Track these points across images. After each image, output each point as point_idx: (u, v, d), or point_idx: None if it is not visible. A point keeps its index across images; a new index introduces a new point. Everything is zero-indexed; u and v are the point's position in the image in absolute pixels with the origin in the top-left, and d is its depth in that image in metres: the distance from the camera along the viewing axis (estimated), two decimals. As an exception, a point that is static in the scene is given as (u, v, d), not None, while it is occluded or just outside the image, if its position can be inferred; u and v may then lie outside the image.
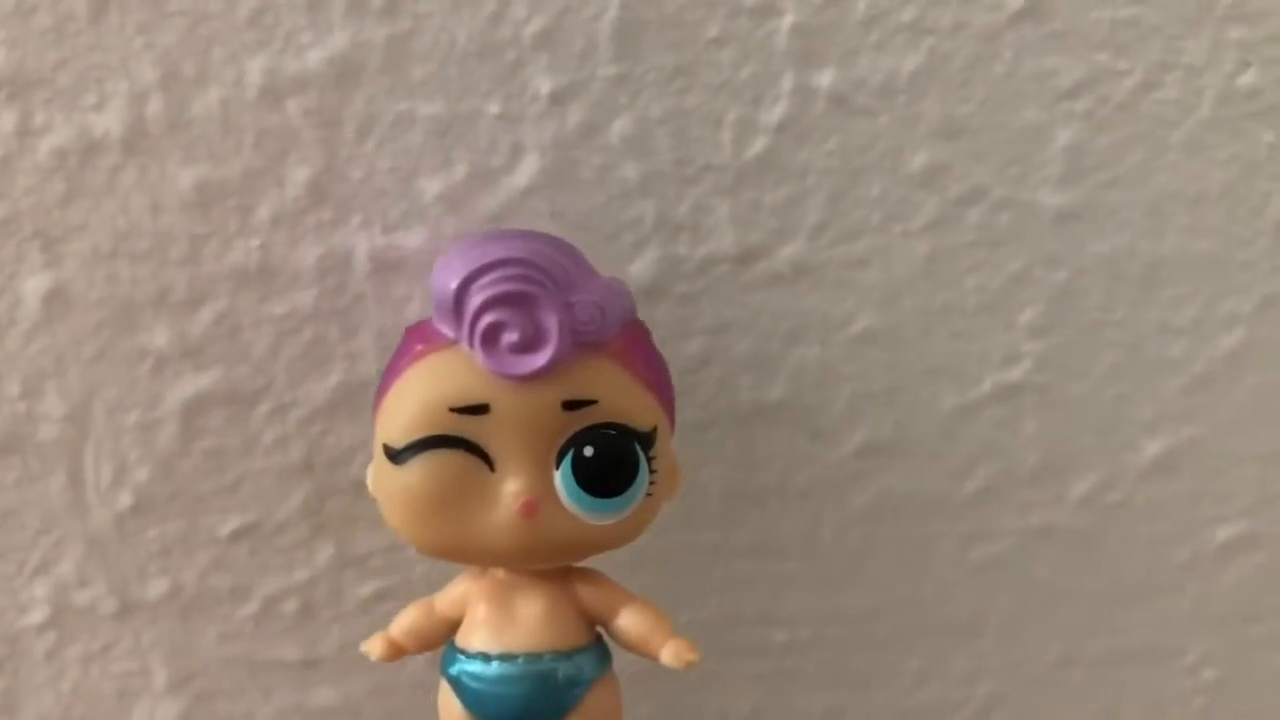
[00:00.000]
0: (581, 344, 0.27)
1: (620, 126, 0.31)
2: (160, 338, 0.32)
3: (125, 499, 0.33)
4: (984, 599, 0.37)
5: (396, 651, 0.30)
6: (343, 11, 0.30)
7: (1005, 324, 0.34)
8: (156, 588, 0.34)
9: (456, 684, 0.29)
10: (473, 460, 0.27)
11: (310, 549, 0.34)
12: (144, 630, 0.35)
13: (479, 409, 0.27)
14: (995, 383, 0.35)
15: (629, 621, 0.29)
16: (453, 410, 0.27)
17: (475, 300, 0.27)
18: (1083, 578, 0.37)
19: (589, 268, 0.28)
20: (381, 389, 0.28)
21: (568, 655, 0.29)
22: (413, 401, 0.27)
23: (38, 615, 0.34)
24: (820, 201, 0.33)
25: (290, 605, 0.35)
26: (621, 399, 0.28)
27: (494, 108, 0.31)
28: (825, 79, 0.32)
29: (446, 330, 0.27)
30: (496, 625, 0.29)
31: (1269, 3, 0.32)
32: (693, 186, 0.32)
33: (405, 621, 0.30)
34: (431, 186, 0.31)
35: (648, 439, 0.28)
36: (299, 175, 0.31)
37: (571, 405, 0.27)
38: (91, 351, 0.32)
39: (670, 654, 0.28)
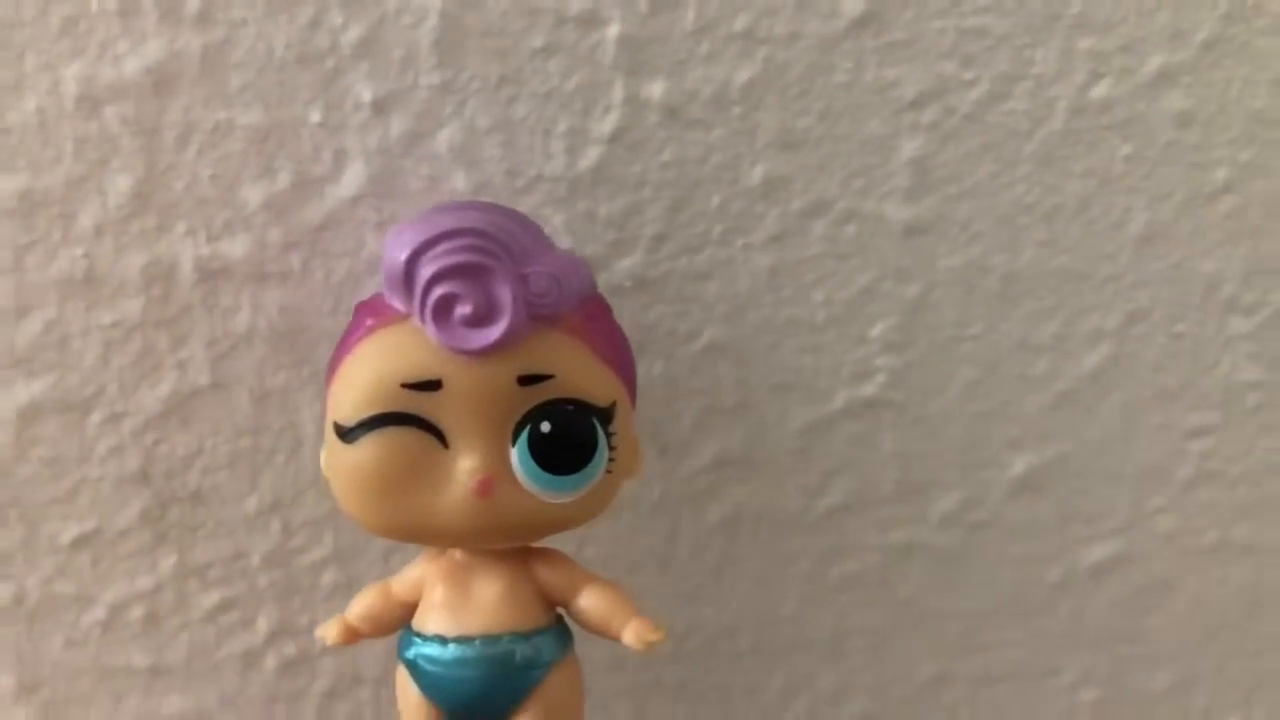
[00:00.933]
0: (537, 317, 0.26)
1: (447, 136, 0.31)
2: (-11, 346, 0.32)
3: (-38, 506, 0.33)
4: (847, 616, 0.37)
5: (352, 636, 0.29)
6: (156, 19, 0.30)
7: (856, 338, 0.34)
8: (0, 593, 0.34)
9: (413, 668, 0.29)
10: (426, 438, 0.27)
11: (153, 557, 0.34)
12: (-12, 636, 0.35)
13: (431, 385, 0.26)
14: (848, 398, 0.35)
15: (590, 602, 0.29)
16: (404, 386, 0.26)
17: (426, 272, 0.26)
18: (951, 596, 0.37)
19: (545, 240, 0.27)
20: (332, 366, 0.28)
21: (526, 637, 0.28)
22: (363, 378, 0.27)
23: None
24: (658, 213, 0.32)
25: (136, 612, 0.35)
26: (579, 374, 0.27)
27: (315, 116, 0.31)
28: (656, 90, 0.31)
29: (397, 304, 0.27)
30: (453, 607, 0.28)
31: (1118, 12, 0.32)
32: (525, 197, 0.32)
33: (361, 605, 0.29)
34: (254, 195, 0.31)
35: (606, 414, 0.27)
36: (120, 183, 0.31)
37: (527, 380, 0.27)
38: (-80, 359, 0.32)
39: (632, 634, 0.28)
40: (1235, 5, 0.32)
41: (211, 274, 0.32)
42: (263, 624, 0.35)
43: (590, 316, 0.28)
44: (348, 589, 0.34)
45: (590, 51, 0.31)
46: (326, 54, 0.30)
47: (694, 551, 0.36)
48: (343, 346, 0.28)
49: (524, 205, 0.32)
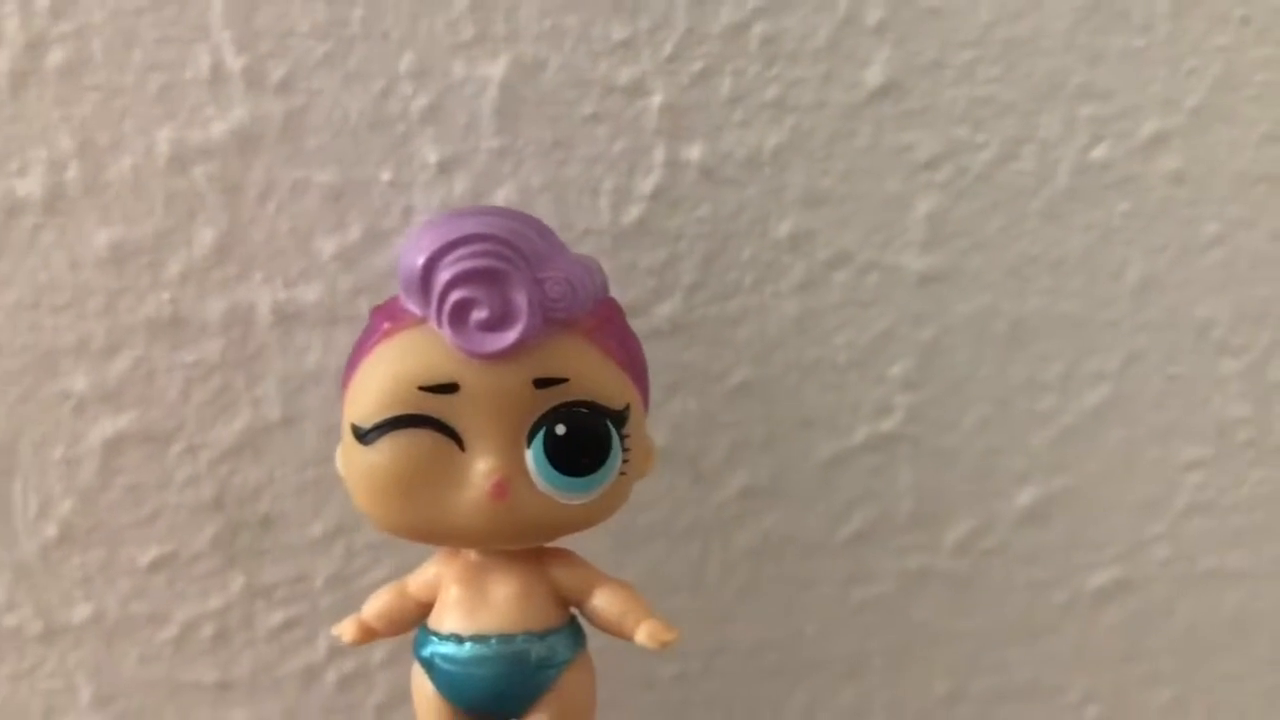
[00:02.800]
0: (552, 321, 0.26)
1: (504, 194, 0.33)
2: (80, 382, 0.34)
3: (50, 530, 0.35)
4: (866, 638, 0.38)
5: (368, 634, 0.29)
6: (243, 88, 0.32)
7: (876, 378, 0.36)
8: (80, 612, 0.36)
9: (429, 666, 0.29)
10: (442, 440, 0.27)
11: (223, 579, 0.36)
12: (69, 652, 0.36)
13: (448, 387, 0.26)
14: (868, 433, 0.37)
15: (603, 601, 0.29)
16: (421, 389, 0.26)
17: (443, 276, 0.26)
18: (963, 619, 0.38)
19: (559, 244, 0.27)
20: (349, 368, 0.28)
21: (541, 636, 0.28)
22: (381, 380, 0.27)
23: None
24: (694, 263, 0.35)
25: (206, 631, 0.37)
26: (593, 377, 0.27)
27: (385, 175, 0.33)
28: (694, 152, 0.34)
29: (414, 308, 0.27)
30: (469, 606, 0.28)
31: (1117, 81, 0.34)
32: (574, 249, 0.34)
33: (377, 604, 0.29)
34: (328, 246, 0.34)
35: (620, 417, 0.27)
36: (205, 235, 0.33)
37: (542, 383, 0.26)
38: (17, 394, 0.34)
39: (645, 634, 0.28)
40: (1222, 76, 0.34)
41: (286, 317, 0.34)
42: (323, 642, 0.37)
43: (604, 320, 0.28)
44: (403, 609, 0.36)
45: (635, 118, 0.33)
46: (397, 120, 0.33)
47: (723, 575, 0.38)
48: (360, 349, 0.28)
49: (572, 256, 0.34)
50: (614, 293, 0.34)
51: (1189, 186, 0.35)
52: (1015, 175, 0.35)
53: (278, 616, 0.37)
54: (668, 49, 0.33)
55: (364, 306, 0.34)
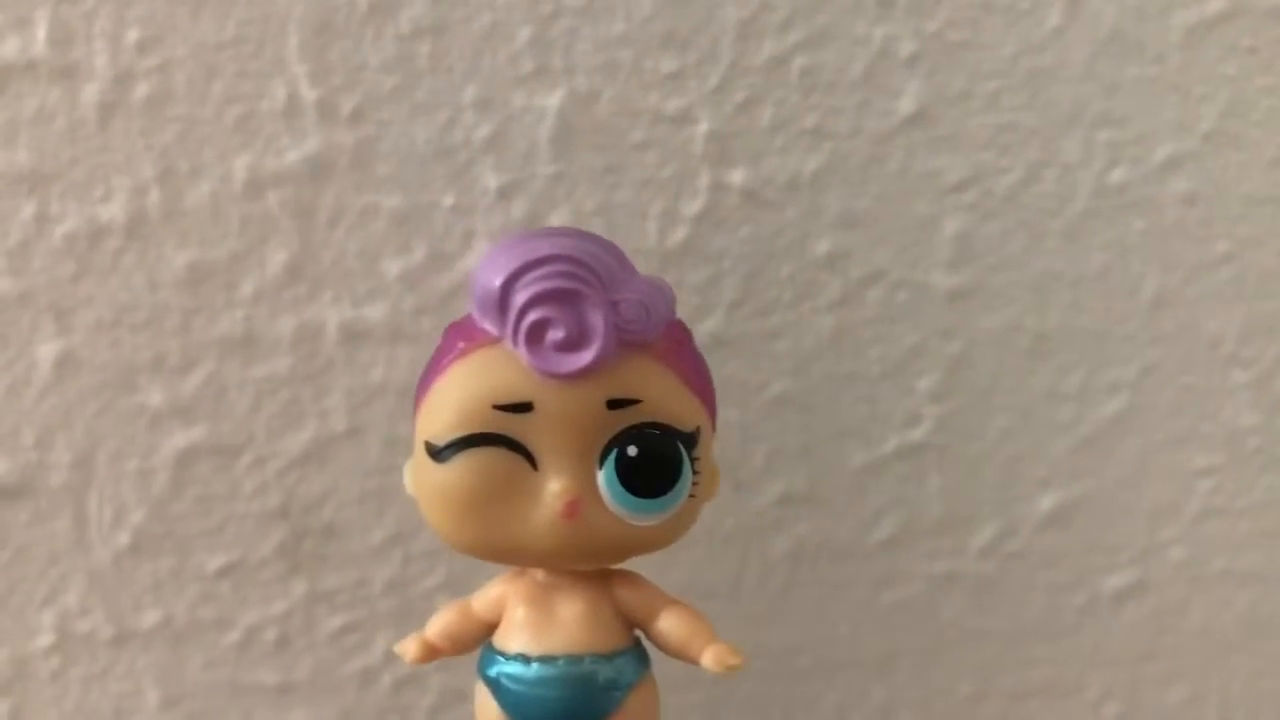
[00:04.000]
0: (626, 343, 0.26)
1: (558, 217, 0.35)
2: (156, 397, 0.36)
3: (124, 538, 0.37)
4: (896, 638, 0.40)
5: (431, 653, 0.29)
6: (316, 119, 0.34)
7: (906, 390, 0.38)
8: (150, 618, 0.37)
9: (495, 686, 0.28)
10: (515, 459, 0.26)
11: (286, 585, 0.37)
12: (138, 656, 0.38)
13: (523, 407, 0.26)
14: (899, 442, 0.38)
15: (669, 625, 0.28)
16: (496, 408, 0.26)
17: (520, 297, 0.26)
18: (987, 619, 0.40)
19: (631, 266, 0.27)
20: (422, 386, 0.28)
21: (608, 658, 0.28)
22: (456, 399, 0.26)
23: (44, 640, 0.37)
24: (736, 282, 0.36)
25: (269, 635, 0.38)
26: (666, 399, 0.27)
27: (448, 200, 0.35)
28: (737, 177, 0.35)
29: (490, 327, 0.27)
30: (536, 627, 0.28)
31: (1132, 108, 0.36)
32: (624, 268, 0.36)
33: (441, 624, 0.29)
34: (393, 267, 0.35)
35: (691, 439, 0.27)
36: (278, 257, 0.35)
37: (616, 404, 0.26)
38: (96, 408, 0.36)
39: (712, 658, 0.28)
40: (1231, 103, 0.36)
41: (353, 335, 0.35)
42: (380, 645, 0.38)
43: (675, 342, 0.28)
44: (458, 613, 0.38)
45: (682, 145, 0.35)
46: (459, 148, 0.34)
47: (761, 579, 0.39)
48: (434, 367, 0.27)
49: (621, 275, 0.36)
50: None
51: (1201, 207, 0.37)
52: (1037, 197, 0.36)
53: (337, 621, 0.38)
54: (713, 80, 0.35)
55: (427, 325, 0.36)
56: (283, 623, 0.38)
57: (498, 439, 0.26)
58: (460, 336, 0.27)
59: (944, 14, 0.35)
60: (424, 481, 0.27)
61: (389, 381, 0.36)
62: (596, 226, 0.35)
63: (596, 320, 0.26)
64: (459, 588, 0.37)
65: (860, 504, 0.38)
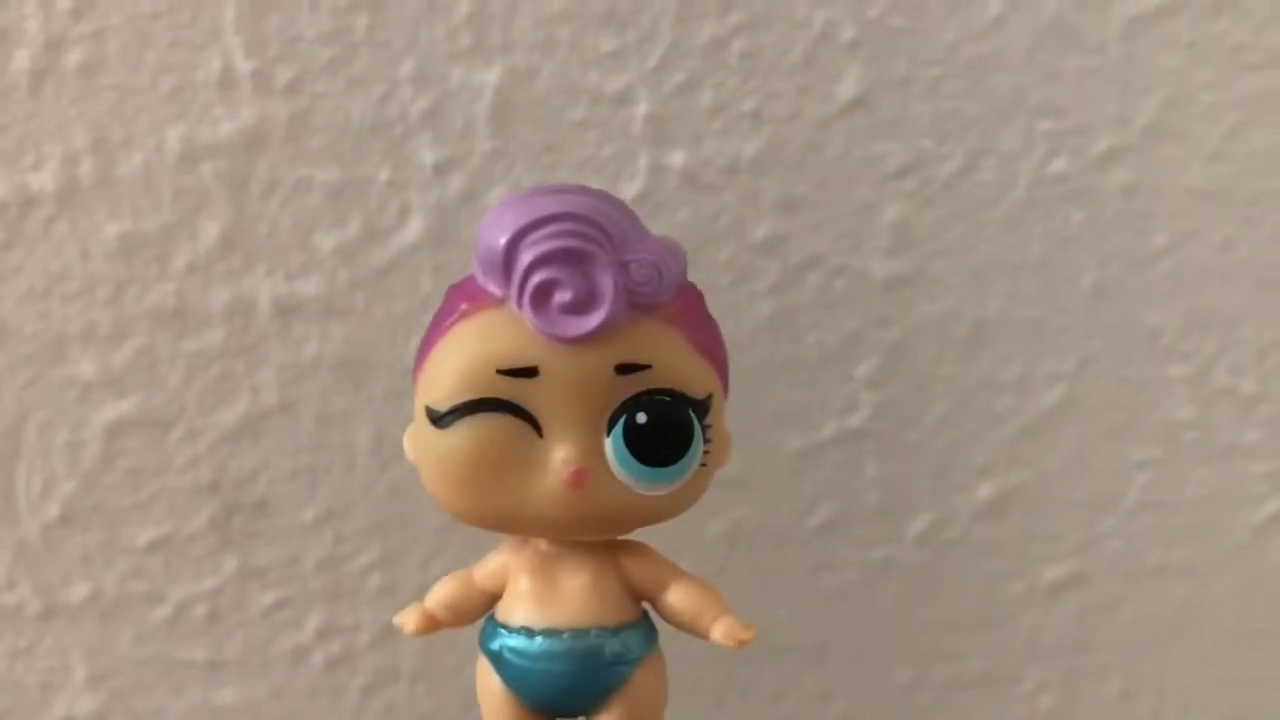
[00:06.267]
0: (636, 305, 0.25)
1: (496, 194, 0.35)
2: (87, 368, 0.36)
3: (53, 510, 0.37)
4: (832, 625, 0.40)
5: (432, 624, 0.28)
6: (250, 90, 0.34)
7: (843, 376, 0.38)
8: (79, 592, 0.37)
9: (497, 660, 0.27)
10: (520, 425, 0.25)
11: (217, 560, 0.37)
12: (66, 630, 0.37)
13: (528, 371, 0.25)
14: (836, 428, 0.38)
15: (678, 597, 0.27)
16: (500, 372, 0.25)
17: (526, 257, 0.24)
18: (924, 608, 0.40)
19: (643, 226, 0.26)
20: (424, 349, 0.26)
21: (614, 631, 0.27)
22: (458, 362, 0.25)
23: None
24: None
25: (199, 611, 0.38)
26: (676, 364, 0.26)
27: (384, 175, 0.35)
28: (676, 159, 0.36)
29: (494, 288, 0.25)
30: (540, 599, 0.27)
31: (1073, 98, 0.36)
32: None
33: (442, 594, 0.28)
34: (328, 241, 0.35)
35: (703, 406, 0.26)
36: (211, 230, 0.35)
37: (624, 369, 0.25)
38: (25, 379, 0.36)
39: (722, 632, 0.27)
40: (1171, 96, 0.36)
41: (286, 309, 0.35)
42: (312, 623, 0.38)
43: (688, 305, 0.27)
44: (391, 592, 0.37)
45: (622, 126, 0.35)
46: (396, 122, 0.34)
47: (696, 563, 0.38)
48: (435, 329, 0.26)
49: (559, 255, 0.36)
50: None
51: (1140, 199, 0.37)
52: (977, 186, 0.37)
53: (269, 598, 0.38)
54: (653, 61, 0.35)
55: (360, 300, 0.36)
56: (213, 598, 0.38)
57: (502, 405, 0.25)
58: (462, 298, 0.26)
59: (885, -1, 0.35)
60: (425, 448, 0.26)
61: (322, 356, 0.36)
62: (534, 205, 0.35)
63: (605, 282, 0.25)
64: (390, 565, 0.38)
65: (797, 489, 0.38)
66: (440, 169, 0.35)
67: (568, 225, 0.24)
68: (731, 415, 0.37)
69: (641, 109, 0.35)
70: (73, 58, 0.34)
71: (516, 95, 0.35)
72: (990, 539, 0.39)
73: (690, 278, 0.36)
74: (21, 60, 0.33)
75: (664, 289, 0.25)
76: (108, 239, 0.35)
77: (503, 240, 0.25)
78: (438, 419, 0.26)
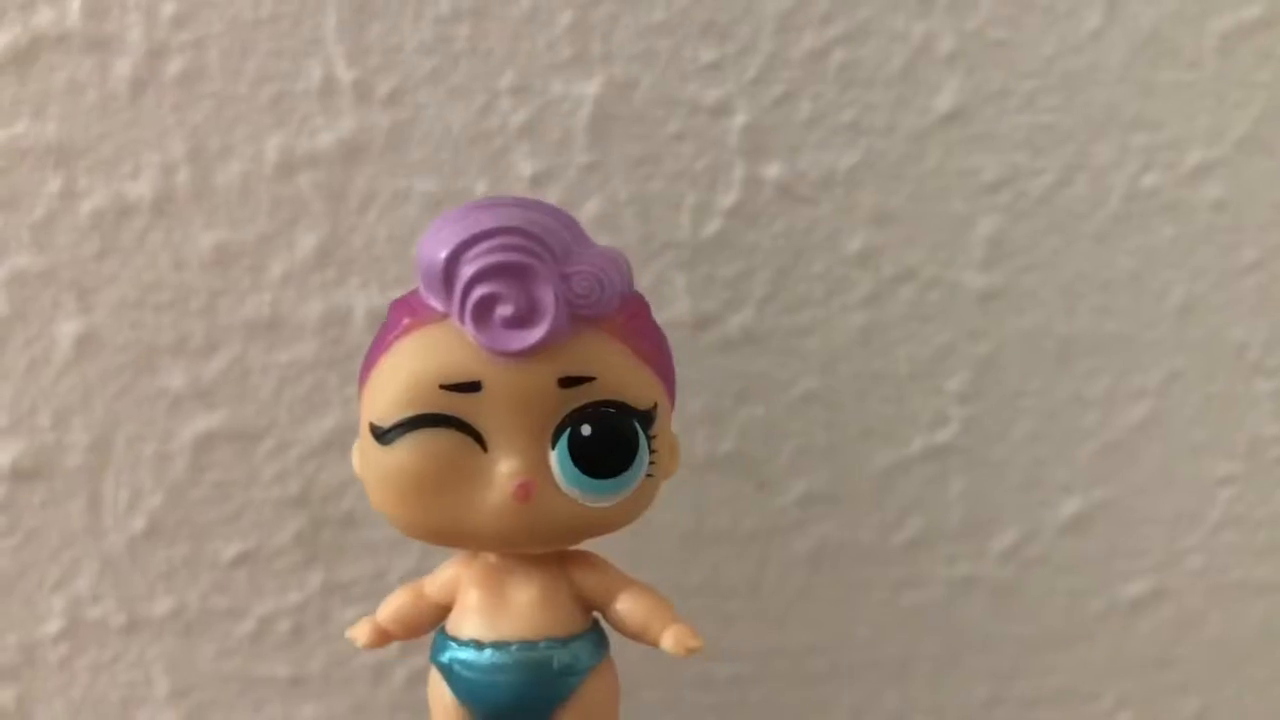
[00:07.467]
0: (578, 318, 0.25)
1: (592, 206, 0.35)
2: (177, 379, 0.36)
3: (139, 523, 0.36)
4: (913, 642, 0.40)
5: (383, 638, 0.28)
6: (351, 100, 0.34)
7: (933, 390, 0.38)
8: (162, 605, 0.37)
9: (448, 672, 0.28)
10: (464, 440, 0.26)
11: (302, 575, 0.37)
12: (149, 644, 0.37)
13: (471, 386, 0.25)
14: (924, 444, 0.38)
15: (627, 607, 0.28)
16: (443, 387, 0.25)
17: (467, 271, 0.25)
18: (1005, 625, 0.40)
19: (585, 237, 0.26)
20: (367, 364, 0.27)
21: (563, 642, 0.27)
22: (401, 378, 0.26)
23: (53, 626, 0.37)
24: (767, 277, 0.36)
25: (282, 626, 0.37)
26: (620, 375, 0.26)
27: (481, 187, 0.35)
28: (772, 170, 0.35)
29: (435, 303, 0.26)
30: (489, 612, 0.27)
31: (1165, 114, 0.36)
32: (655, 260, 0.35)
33: (392, 607, 0.28)
34: (424, 253, 0.35)
35: (647, 417, 0.26)
36: (307, 240, 0.35)
37: (568, 382, 0.26)
38: (115, 390, 0.35)
39: (671, 640, 0.27)
40: (1264, 109, 0.36)
41: (380, 321, 0.35)
42: None
43: (631, 317, 0.27)
44: (476, 606, 0.38)
45: (718, 137, 0.35)
46: (495, 134, 0.34)
47: (781, 579, 0.38)
48: (378, 345, 0.27)
49: (652, 268, 0.36)
50: (691, 302, 0.36)
51: (1230, 214, 0.37)
52: (1070, 200, 0.36)
53: (353, 613, 0.37)
54: (752, 72, 0.35)
55: (455, 311, 0.35)
56: (297, 614, 0.38)
57: (446, 420, 0.25)
58: (405, 312, 0.26)
59: (984, 12, 0.35)
60: (370, 464, 0.26)
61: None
62: (629, 217, 0.35)
63: (547, 295, 0.25)
64: (478, 581, 0.37)
65: (883, 505, 0.38)
66: (537, 180, 0.35)
67: (507, 239, 0.25)
68: (822, 428, 0.37)
69: (739, 120, 0.35)
70: (173, 66, 0.33)
71: (615, 106, 0.34)
72: (1073, 555, 0.39)
73: (783, 290, 0.36)
74: (123, 68, 0.33)
75: (606, 301, 0.26)
76: (202, 249, 0.35)
77: (443, 255, 0.25)
78: (381, 435, 0.26)
